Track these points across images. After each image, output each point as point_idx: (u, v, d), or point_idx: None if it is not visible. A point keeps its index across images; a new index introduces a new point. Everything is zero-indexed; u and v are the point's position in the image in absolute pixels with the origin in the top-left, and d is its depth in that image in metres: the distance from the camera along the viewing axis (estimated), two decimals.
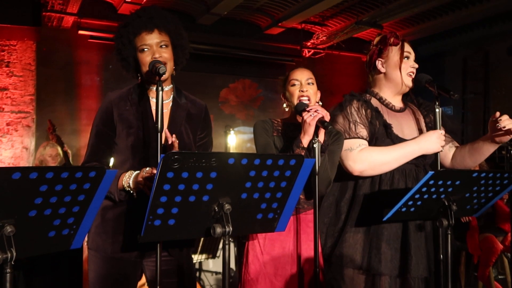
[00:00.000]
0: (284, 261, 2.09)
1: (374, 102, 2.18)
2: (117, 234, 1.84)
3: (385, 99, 2.18)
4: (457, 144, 2.27)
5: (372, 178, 2.06)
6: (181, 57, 1.98)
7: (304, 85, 2.11)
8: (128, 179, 1.78)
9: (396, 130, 2.10)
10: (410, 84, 2.13)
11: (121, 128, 1.87)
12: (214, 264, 4.53)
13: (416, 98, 2.26)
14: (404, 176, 2.06)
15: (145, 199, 1.77)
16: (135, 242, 1.81)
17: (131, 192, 1.79)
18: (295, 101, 2.10)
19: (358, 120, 2.09)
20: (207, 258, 4.20)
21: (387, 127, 2.08)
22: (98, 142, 1.89)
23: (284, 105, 2.20)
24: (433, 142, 1.99)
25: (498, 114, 1.97)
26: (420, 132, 2.16)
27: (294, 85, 2.12)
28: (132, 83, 1.99)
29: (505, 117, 1.96)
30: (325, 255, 2.08)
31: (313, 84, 2.13)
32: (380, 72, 2.20)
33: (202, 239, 3.94)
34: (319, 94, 2.17)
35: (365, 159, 2.00)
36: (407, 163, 2.05)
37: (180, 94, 2.01)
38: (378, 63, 2.19)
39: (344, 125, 2.09)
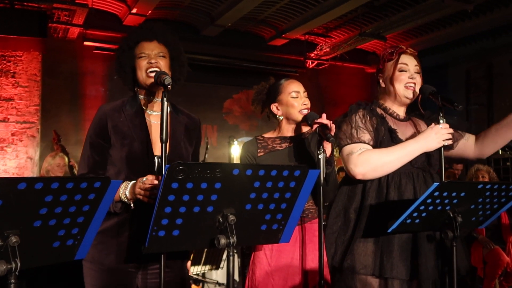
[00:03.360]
0: (293, 271, 2.08)
1: (379, 111, 2.20)
2: (113, 245, 1.82)
3: (390, 109, 2.20)
4: (470, 134, 2.25)
5: (379, 182, 2.06)
6: (178, 72, 2.00)
7: (303, 97, 2.16)
8: (125, 190, 1.76)
9: (401, 135, 2.10)
10: (409, 95, 2.13)
11: (115, 139, 1.86)
12: (217, 275, 4.50)
13: (425, 111, 2.26)
14: (411, 179, 2.06)
15: (140, 209, 1.77)
16: (132, 253, 1.81)
17: (128, 203, 1.77)
18: (296, 112, 2.14)
19: (361, 126, 2.10)
20: (211, 269, 4.18)
21: (392, 132, 2.09)
22: (92, 153, 1.87)
23: (279, 116, 2.20)
24: (432, 138, 1.98)
25: None
26: None
27: (294, 97, 2.15)
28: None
29: None
30: (336, 264, 2.07)
31: (307, 96, 2.20)
32: (381, 87, 2.23)
33: (205, 249, 3.93)
34: None
35: (366, 161, 2.01)
36: (413, 167, 2.05)
37: (176, 109, 2.03)
38: (380, 79, 2.22)
39: (347, 131, 2.10)
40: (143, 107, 1.94)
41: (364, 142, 2.07)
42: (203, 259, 3.97)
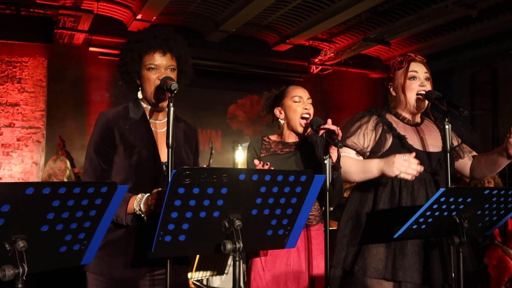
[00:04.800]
0: (286, 278, 2.09)
1: (390, 117, 2.20)
2: (121, 256, 1.79)
3: (401, 114, 2.20)
4: (475, 154, 2.27)
5: (392, 187, 2.08)
6: (182, 82, 1.97)
7: (306, 103, 2.16)
8: (140, 202, 1.72)
9: (412, 141, 2.10)
10: (419, 104, 2.13)
11: (122, 148, 1.82)
12: (221, 281, 4.49)
13: (432, 112, 2.26)
14: (424, 184, 2.07)
15: (148, 219, 1.74)
16: (140, 262, 1.79)
17: (142, 215, 1.73)
18: (297, 117, 2.15)
19: (357, 132, 2.13)
20: (213, 275, 4.17)
21: (401, 138, 2.10)
22: (99, 161, 1.81)
23: (280, 120, 2.21)
24: (390, 165, 1.92)
25: None
26: (437, 145, 2.17)
27: (296, 101, 2.15)
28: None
29: None
30: (347, 266, 2.08)
31: (311, 103, 2.20)
32: (392, 95, 2.23)
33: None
34: None
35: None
36: (426, 171, 2.05)
37: (176, 116, 2.01)
38: (390, 87, 2.23)
39: (345, 134, 2.14)
40: (147, 115, 1.91)
41: (351, 148, 2.11)
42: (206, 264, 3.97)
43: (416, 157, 2.04)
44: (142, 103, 1.92)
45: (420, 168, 1.90)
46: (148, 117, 1.91)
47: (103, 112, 1.89)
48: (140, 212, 1.73)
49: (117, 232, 1.79)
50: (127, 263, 1.79)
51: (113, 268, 1.78)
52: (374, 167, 2.00)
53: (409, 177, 1.88)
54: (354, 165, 2.06)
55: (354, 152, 2.13)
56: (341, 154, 2.08)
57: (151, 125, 1.91)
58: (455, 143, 2.21)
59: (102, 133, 1.83)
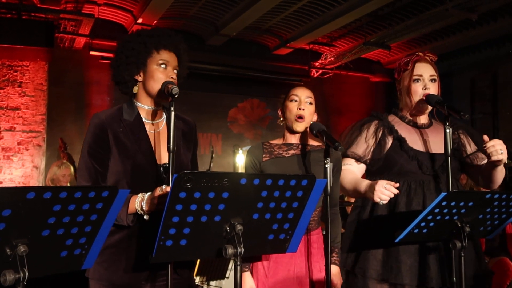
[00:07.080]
0: (289, 283, 2.07)
1: (393, 119, 2.20)
2: (121, 260, 1.76)
3: (406, 117, 2.21)
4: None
5: None
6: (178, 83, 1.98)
7: (302, 103, 2.11)
8: (142, 202, 1.69)
9: (413, 143, 2.10)
10: (423, 106, 2.13)
11: (116, 151, 1.78)
12: (222, 285, 4.48)
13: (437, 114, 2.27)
14: (421, 186, 2.06)
15: (145, 223, 1.72)
16: (140, 266, 1.77)
17: (142, 215, 1.71)
18: (292, 117, 2.11)
19: (357, 139, 2.14)
20: (213, 279, 4.15)
21: (401, 140, 2.10)
22: (94, 164, 1.77)
23: (281, 120, 2.20)
24: (372, 190, 1.91)
25: (486, 137, 1.95)
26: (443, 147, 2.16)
27: (293, 100, 2.12)
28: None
29: (490, 143, 1.92)
30: (348, 267, 2.10)
31: (311, 104, 2.14)
32: (399, 97, 2.25)
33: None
34: (315, 116, 2.18)
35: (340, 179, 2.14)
36: (425, 174, 2.06)
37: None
38: (398, 89, 2.24)
39: (347, 141, 2.16)
40: (142, 115, 1.88)
41: (352, 157, 2.14)
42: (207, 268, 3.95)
43: (417, 158, 2.06)
44: (137, 103, 1.88)
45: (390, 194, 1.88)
46: (143, 118, 1.87)
47: (96, 113, 1.85)
48: (141, 212, 1.69)
49: (116, 235, 1.76)
50: (128, 267, 1.77)
51: (112, 272, 1.76)
52: (362, 189, 2.01)
53: (383, 202, 1.88)
54: (348, 183, 2.11)
55: (354, 161, 2.14)
56: (343, 167, 2.12)
57: (147, 126, 1.87)
58: (469, 149, 2.19)
59: (95, 136, 1.79)
